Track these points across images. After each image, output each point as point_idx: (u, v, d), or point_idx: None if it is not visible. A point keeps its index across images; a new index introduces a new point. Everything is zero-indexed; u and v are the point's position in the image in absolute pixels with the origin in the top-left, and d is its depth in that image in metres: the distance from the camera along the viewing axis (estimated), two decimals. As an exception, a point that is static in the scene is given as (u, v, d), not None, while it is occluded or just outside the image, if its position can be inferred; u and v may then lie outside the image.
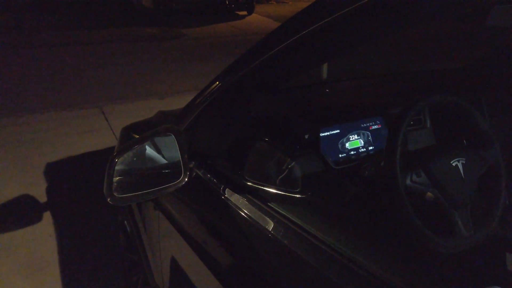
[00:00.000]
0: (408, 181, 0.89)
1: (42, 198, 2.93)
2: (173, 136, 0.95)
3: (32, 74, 6.04)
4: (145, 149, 1.00)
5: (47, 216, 2.71)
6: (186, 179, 0.96)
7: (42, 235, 2.51)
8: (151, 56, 7.34)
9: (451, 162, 0.91)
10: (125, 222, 1.81)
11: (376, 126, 1.25)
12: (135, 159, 0.92)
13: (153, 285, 1.45)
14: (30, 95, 5.18)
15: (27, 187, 3.03)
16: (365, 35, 0.81)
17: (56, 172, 3.32)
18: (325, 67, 5.33)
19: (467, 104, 0.99)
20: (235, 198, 1.01)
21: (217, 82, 1.03)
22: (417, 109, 0.93)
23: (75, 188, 3.05)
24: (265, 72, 0.93)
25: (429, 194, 0.91)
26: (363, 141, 1.22)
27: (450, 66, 1.89)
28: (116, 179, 0.88)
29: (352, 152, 1.20)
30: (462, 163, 0.92)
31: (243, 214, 0.97)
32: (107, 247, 2.39)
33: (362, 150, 1.22)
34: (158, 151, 1.05)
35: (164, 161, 1.04)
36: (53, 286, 2.12)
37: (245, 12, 11.71)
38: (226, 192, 1.03)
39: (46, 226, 2.60)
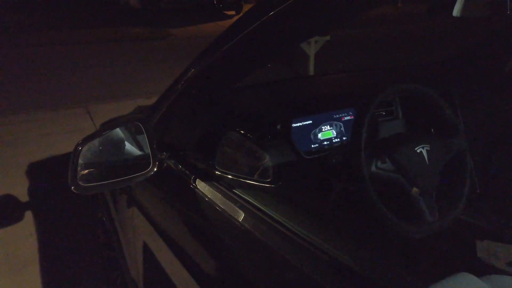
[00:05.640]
0: (373, 168, 0.90)
1: (24, 197, 2.89)
2: (140, 125, 0.95)
3: (16, 74, 5.96)
4: (115, 139, 1.00)
5: (28, 215, 2.68)
6: (155, 169, 0.96)
7: (23, 234, 2.47)
8: (138, 56, 7.30)
9: (416, 149, 0.92)
10: (104, 219, 1.80)
11: (348, 117, 1.26)
12: (101, 148, 0.91)
13: (129, 280, 1.45)
14: (14, 95, 5.11)
15: (9, 187, 2.99)
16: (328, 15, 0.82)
17: (39, 172, 3.28)
18: (311, 64, 5.38)
19: (431, 92, 1.01)
20: (206, 189, 1.01)
21: (191, 70, 1.02)
22: (382, 96, 0.94)
23: (57, 188, 3.01)
24: (232, 60, 0.93)
25: (415, 189, 0.92)
26: (336, 132, 1.23)
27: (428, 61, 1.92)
28: (81, 167, 0.87)
29: (325, 143, 1.21)
30: (427, 150, 0.93)
31: (213, 204, 0.97)
32: (87, 246, 2.37)
33: (336, 140, 1.24)
34: (129, 141, 1.05)
35: (135, 151, 1.04)
36: (33, 285, 2.09)
37: (233, 12, 11.71)
38: (197, 183, 1.03)
39: (27, 225, 2.57)
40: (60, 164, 3.43)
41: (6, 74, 5.95)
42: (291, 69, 5.95)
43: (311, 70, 5.41)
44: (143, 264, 1.25)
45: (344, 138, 1.25)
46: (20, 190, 2.96)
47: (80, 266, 2.22)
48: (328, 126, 1.22)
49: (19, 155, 3.52)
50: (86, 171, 0.90)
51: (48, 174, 3.26)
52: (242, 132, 1.10)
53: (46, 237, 2.47)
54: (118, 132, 1.02)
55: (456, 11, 1.11)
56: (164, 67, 6.52)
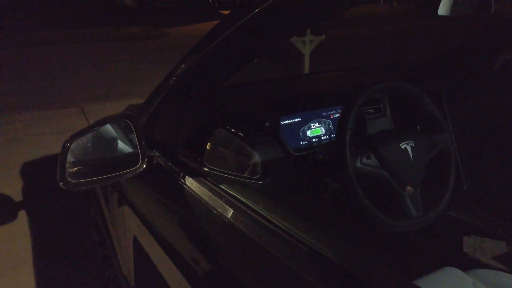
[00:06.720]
0: (358, 163, 0.91)
1: (18, 197, 2.89)
2: (129, 122, 0.95)
3: (11, 74, 5.94)
4: (106, 137, 1.01)
5: (22, 215, 2.68)
6: (144, 166, 0.97)
7: (16, 234, 2.47)
8: (134, 56, 7.30)
9: (400, 145, 0.94)
10: (97, 217, 1.81)
11: (337, 115, 1.27)
12: (91, 145, 0.92)
13: (121, 276, 1.46)
14: (8, 94, 5.10)
15: (3, 186, 2.99)
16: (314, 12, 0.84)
17: (32, 172, 3.28)
18: (307, 63, 5.41)
19: (415, 89, 1.02)
20: (194, 185, 1.02)
21: (181, 67, 1.03)
22: (367, 94, 0.96)
23: (50, 187, 3.01)
24: (221, 57, 0.94)
25: (409, 188, 0.93)
26: (324, 129, 1.25)
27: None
28: (71, 164, 0.88)
29: (313, 140, 1.23)
30: (411, 146, 0.95)
31: (202, 200, 0.98)
32: (81, 245, 2.37)
33: (324, 137, 1.25)
34: (122, 139, 1.06)
35: (127, 149, 1.05)
36: (26, 284, 2.09)
37: (228, 11, 11.74)
38: (185, 180, 1.04)
39: (20, 225, 2.57)
40: (54, 163, 3.42)
41: (1, 73, 5.93)
42: (287, 68, 5.97)
43: (306, 69, 5.44)
44: (134, 261, 1.26)
45: (332, 135, 1.27)
46: (14, 190, 2.95)
47: (74, 265, 2.22)
48: (317, 124, 1.24)
49: (13, 155, 3.52)
50: (76, 168, 0.91)
51: (42, 174, 3.26)
52: (231, 129, 1.11)
53: (40, 236, 2.47)
54: (110, 130, 1.02)
55: (441, 10, 1.12)
56: (160, 67, 6.51)
